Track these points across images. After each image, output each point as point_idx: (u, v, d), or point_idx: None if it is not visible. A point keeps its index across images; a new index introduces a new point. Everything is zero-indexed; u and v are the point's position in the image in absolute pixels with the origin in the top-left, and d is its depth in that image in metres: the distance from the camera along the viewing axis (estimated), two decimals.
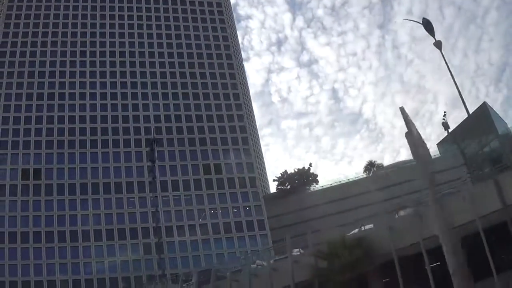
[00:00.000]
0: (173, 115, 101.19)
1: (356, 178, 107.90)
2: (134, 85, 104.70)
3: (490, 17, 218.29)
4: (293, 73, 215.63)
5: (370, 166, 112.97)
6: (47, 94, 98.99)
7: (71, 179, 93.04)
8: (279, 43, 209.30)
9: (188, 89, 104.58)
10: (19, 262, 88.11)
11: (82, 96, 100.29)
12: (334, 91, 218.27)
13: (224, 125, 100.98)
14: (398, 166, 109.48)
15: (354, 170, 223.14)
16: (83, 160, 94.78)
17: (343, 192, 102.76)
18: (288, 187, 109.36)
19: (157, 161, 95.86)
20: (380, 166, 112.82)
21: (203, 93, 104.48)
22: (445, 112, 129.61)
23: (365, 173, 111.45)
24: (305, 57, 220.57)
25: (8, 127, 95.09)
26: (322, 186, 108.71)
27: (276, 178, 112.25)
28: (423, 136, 11.02)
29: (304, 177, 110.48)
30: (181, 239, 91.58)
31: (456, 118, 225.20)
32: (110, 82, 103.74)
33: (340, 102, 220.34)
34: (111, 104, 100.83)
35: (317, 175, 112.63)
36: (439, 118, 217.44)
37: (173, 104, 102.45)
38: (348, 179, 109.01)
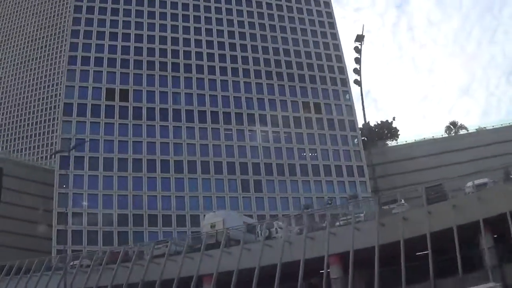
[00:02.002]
0: (270, 47, 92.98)
1: (441, 137, 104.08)
2: None
3: (507, 9, 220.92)
4: None
5: (453, 126, 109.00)
6: (135, 11, 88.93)
7: (163, 104, 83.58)
8: None
9: (285, 23, 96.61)
10: (100, 192, 78.27)
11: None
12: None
13: (323, 63, 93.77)
14: (480, 130, 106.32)
15: None
16: (176, 85, 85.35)
17: (426, 149, 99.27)
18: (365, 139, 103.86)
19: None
20: (463, 127, 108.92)
21: (300, 28, 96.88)
22: None
23: (446, 133, 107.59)
24: None
25: (91, 42, 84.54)
26: (406, 141, 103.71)
27: None
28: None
29: (386, 130, 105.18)
30: (280, 178, 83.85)
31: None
32: None
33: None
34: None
35: (398, 130, 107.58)
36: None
37: (271, 36, 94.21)
38: (432, 137, 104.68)
